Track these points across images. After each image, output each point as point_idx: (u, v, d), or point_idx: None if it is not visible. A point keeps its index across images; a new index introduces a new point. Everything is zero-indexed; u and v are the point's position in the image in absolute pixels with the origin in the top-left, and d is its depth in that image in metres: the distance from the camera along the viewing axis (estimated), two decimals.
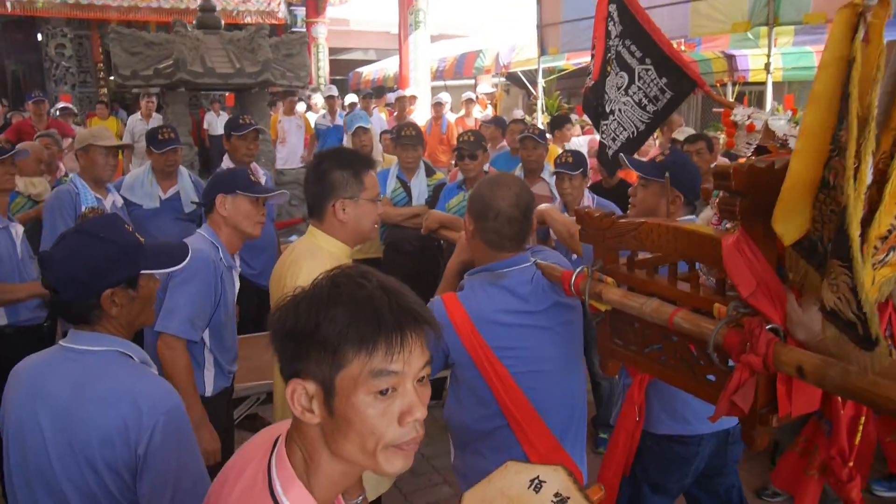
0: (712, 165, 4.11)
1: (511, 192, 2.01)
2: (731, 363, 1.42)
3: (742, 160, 1.50)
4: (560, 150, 5.04)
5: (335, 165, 2.17)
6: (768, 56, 5.60)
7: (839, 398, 1.42)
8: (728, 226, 1.59)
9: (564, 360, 2.10)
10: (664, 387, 2.19)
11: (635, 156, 2.92)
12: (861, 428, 1.51)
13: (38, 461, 1.53)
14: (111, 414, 1.51)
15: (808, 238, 1.24)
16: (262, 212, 2.63)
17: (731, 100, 2.96)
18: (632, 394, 2.35)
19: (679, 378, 1.64)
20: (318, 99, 11.17)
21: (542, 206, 2.50)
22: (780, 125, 2.04)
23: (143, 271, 1.66)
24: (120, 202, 3.80)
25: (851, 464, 1.49)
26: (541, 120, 8.42)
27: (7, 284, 3.09)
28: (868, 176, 1.08)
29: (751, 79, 10.20)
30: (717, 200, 1.47)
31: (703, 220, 2.34)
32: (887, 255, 1.15)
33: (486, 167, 4.40)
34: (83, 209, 3.46)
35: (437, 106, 9.37)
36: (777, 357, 1.28)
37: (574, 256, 2.80)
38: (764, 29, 5.61)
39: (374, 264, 4.96)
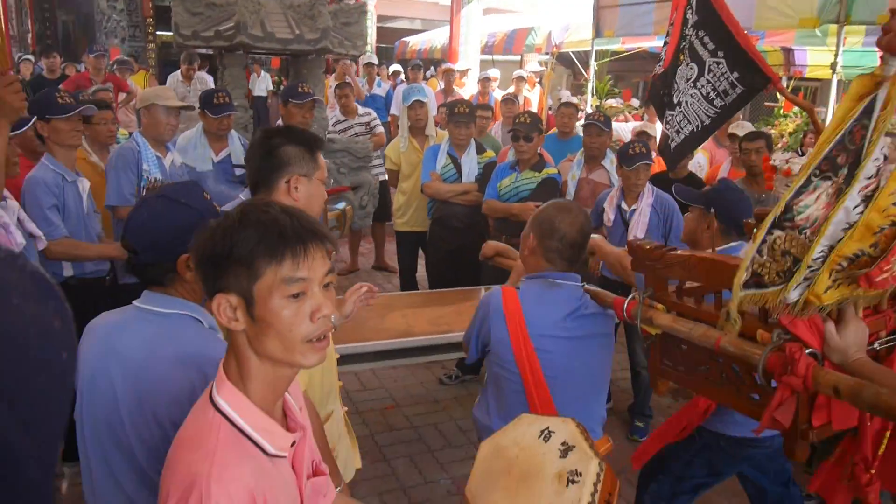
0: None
1: (577, 220, 2.22)
2: (773, 383, 1.55)
3: None
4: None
5: (287, 141, 2.03)
6: (836, 55, 5.41)
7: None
8: None
9: (590, 377, 2.26)
10: None
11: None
12: (886, 441, 1.65)
13: (107, 413, 1.58)
14: (180, 376, 1.54)
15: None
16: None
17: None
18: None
19: (724, 395, 1.77)
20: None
21: (594, 238, 2.52)
22: None
23: None
24: (179, 161, 3.85)
25: (873, 471, 1.64)
26: (590, 103, 8.29)
27: (79, 242, 3.16)
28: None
29: (808, 74, 9.88)
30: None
31: (744, 252, 2.37)
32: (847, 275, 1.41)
33: (538, 150, 4.37)
34: (144, 169, 3.52)
35: (486, 81, 9.17)
36: (816, 379, 1.43)
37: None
38: (832, 27, 5.40)
39: (419, 238, 5.03)
